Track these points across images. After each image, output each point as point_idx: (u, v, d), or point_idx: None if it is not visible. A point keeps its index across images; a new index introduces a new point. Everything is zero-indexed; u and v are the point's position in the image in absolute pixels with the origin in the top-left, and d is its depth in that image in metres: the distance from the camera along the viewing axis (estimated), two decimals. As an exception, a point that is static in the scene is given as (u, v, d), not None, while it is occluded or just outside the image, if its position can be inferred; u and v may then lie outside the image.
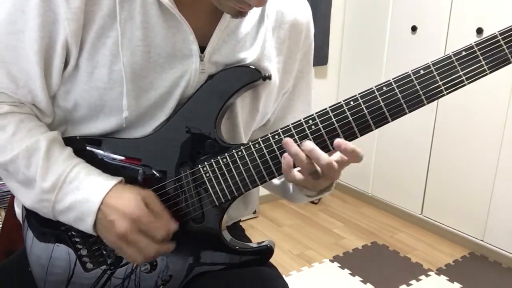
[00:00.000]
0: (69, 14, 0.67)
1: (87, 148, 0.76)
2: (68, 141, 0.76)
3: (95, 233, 0.72)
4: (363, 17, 2.80)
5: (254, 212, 2.72)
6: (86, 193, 0.70)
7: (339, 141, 0.68)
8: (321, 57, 2.85)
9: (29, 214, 0.78)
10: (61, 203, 0.71)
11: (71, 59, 0.71)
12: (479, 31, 2.17)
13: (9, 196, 1.10)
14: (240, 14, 0.69)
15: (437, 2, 2.35)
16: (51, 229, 0.77)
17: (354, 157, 0.68)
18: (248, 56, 0.77)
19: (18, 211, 0.84)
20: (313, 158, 0.68)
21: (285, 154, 0.70)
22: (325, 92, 2.99)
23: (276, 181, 0.90)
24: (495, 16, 2.11)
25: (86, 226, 0.71)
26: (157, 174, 0.75)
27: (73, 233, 0.76)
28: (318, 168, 0.69)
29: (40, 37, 0.68)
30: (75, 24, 0.67)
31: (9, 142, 0.72)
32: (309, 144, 0.69)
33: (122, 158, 0.75)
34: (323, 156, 0.67)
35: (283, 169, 0.70)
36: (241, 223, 0.98)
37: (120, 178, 0.73)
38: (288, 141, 0.69)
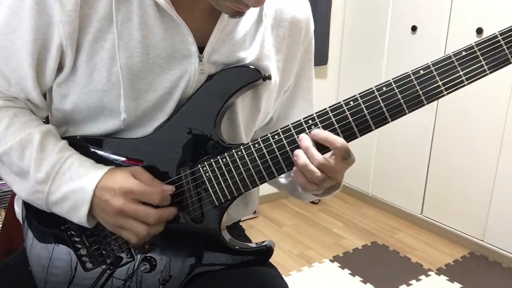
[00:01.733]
0: (64, 17, 0.67)
1: (87, 147, 0.76)
2: (69, 140, 0.76)
3: (89, 224, 0.72)
4: (363, 17, 2.80)
5: (254, 212, 2.72)
6: (79, 183, 0.70)
7: (314, 130, 0.69)
8: (321, 57, 2.85)
9: (29, 214, 0.78)
10: (54, 194, 0.71)
11: (66, 61, 0.71)
12: (479, 31, 2.17)
13: (9, 196, 1.10)
14: (238, 14, 0.69)
15: (437, 2, 2.35)
16: (51, 228, 0.77)
17: (334, 146, 0.68)
18: (248, 55, 0.77)
19: (18, 210, 0.84)
20: (308, 155, 0.69)
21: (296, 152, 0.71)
22: (325, 92, 2.99)
23: (283, 180, 0.90)
24: (495, 16, 2.11)
25: (80, 216, 0.71)
26: (158, 172, 0.75)
27: (73, 232, 0.76)
28: (319, 174, 0.69)
29: (34, 39, 0.68)
30: (69, 27, 0.67)
31: (3, 136, 0.72)
32: (306, 143, 0.69)
33: (122, 157, 0.75)
34: (317, 155, 0.68)
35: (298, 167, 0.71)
36: (241, 223, 0.98)
37: (111, 166, 0.73)
38: (298, 153, 0.70)
